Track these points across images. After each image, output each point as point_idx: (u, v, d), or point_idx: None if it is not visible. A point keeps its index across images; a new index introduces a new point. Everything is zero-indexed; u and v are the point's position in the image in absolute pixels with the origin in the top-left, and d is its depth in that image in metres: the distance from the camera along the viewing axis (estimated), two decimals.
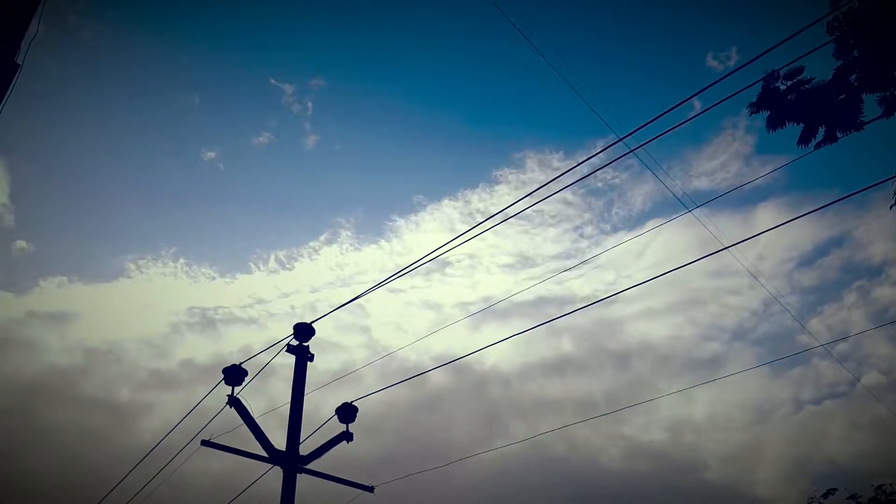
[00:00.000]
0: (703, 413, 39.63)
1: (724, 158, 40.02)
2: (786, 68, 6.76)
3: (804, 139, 7.02)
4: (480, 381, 39.53)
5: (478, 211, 41.38)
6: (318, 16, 43.48)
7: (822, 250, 42.07)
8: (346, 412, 11.69)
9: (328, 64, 45.33)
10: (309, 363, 11.99)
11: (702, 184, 39.68)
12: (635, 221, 41.78)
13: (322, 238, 46.39)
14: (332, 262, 45.25)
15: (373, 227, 50.05)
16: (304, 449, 11.42)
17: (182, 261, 43.80)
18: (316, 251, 45.47)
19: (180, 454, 11.97)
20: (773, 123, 7.03)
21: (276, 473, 11.12)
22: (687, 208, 11.40)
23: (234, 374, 11.44)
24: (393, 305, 43.95)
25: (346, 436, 11.59)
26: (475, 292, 42.97)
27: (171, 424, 12.24)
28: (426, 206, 45.40)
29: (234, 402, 11.34)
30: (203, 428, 11.25)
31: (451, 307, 41.47)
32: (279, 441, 11.29)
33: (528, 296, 37.61)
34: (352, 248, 45.55)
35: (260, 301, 43.44)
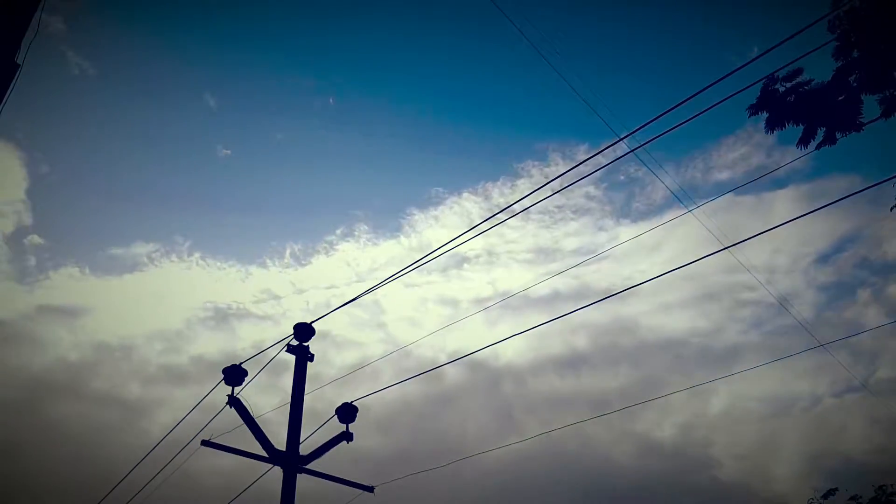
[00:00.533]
0: (717, 409, 39.37)
1: (744, 150, 39.62)
2: (785, 69, 6.76)
3: (804, 140, 7.02)
4: (497, 377, 39.44)
5: (497, 206, 40.99)
6: (339, 15, 43.52)
7: (839, 245, 41.64)
8: (346, 412, 11.69)
9: (351, 60, 45.37)
10: (312, 362, 11.99)
11: (723, 175, 39.44)
12: (655, 215, 41.33)
13: (338, 232, 46.14)
14: (349, 256, 44.93)
15: (391, 222, 49.53)
16: (306, 449, 11.43)
17: (197, 255, 43.78)
18: (332, 246, 45.19)
19: (181, 454, 11.99)
20: (772, 125, 7.03)
21: (278, 473, 11.13)
22: (687, 208, 11.37)
23: (234, 374, 11.45)
24: (410, 302, 43.72)
25: (346, 436, 11.59)
26: (493, 288, 42.54)
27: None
28: (446, 200, 44.77)
29: (234, 402, 11.34)
30: (203, 428, 11.27)
31: (469, 303, 41.25)
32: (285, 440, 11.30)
33: (545, 291, 37.23)
34: (369, 243, 45.15)
35: (275, 297, 43.38)
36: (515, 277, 42.27)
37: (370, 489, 11.88)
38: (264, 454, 11.11)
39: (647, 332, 40.65)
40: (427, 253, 10.00)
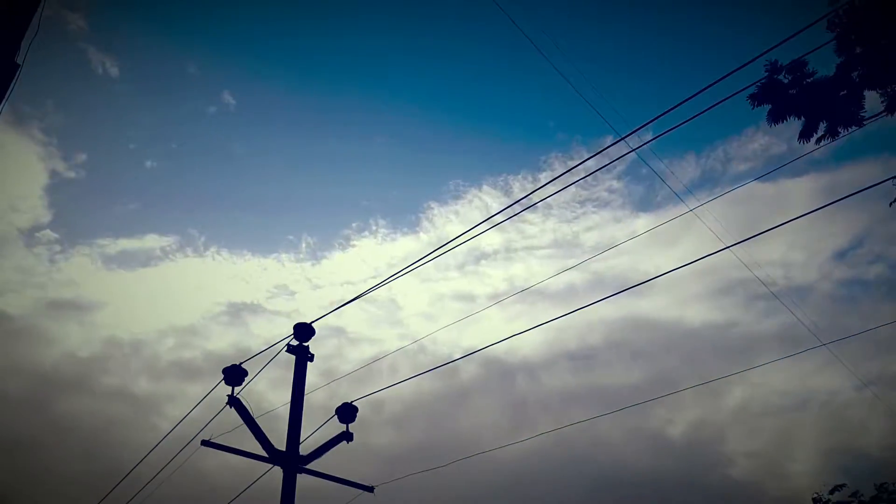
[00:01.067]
0: (730, 405, 39.00)
1: (764, 141, 39.23)
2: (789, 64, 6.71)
3: (805, 134, 6.97)
4: (514, 374, 39.28)
5: (517, 202, 40.16)
6: (360, 14, 43.50)
7: (856, 238, 41.08)
8: (346, 412, 11.70)
9: (372, 57, 45.33)
10: (312, 362, 11.99)
11: (743, 167, 39.18)
12: (676, 206, 40.71)
13: (355, 226, 45.78)
14: (366, 252, 44.45)
15: (409, 216, 48.82)
16: (309, 448, 11.45)
17: (213, 249, 43.67)
18: (348, 241, 44.70)
19: (181, 454, 11.98)
20: (775, 117, 6.96)
21: (278, 473, 11.13)
22: (689, 208, 11.35)
23: (234, 374, 11.45)
24: (427, 298, 43.33)
25: (346, 436, 11.59)
26: (512, 284, 41.93)
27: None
28: (465, 194, 44.05)
29: (233, 401, 11.34)
30: (203, 428, 11.26)
31: (487, 299, 40.90)
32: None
33: (563, 287, 36.71)
34: (386, 238, 44.57)
35: (290, 293, 43.23)
36: (535, 273, 41.91)
37: (370, 489, 11.88)
38: (264, 454, 11.11)
39: (661, 328, 40.35)
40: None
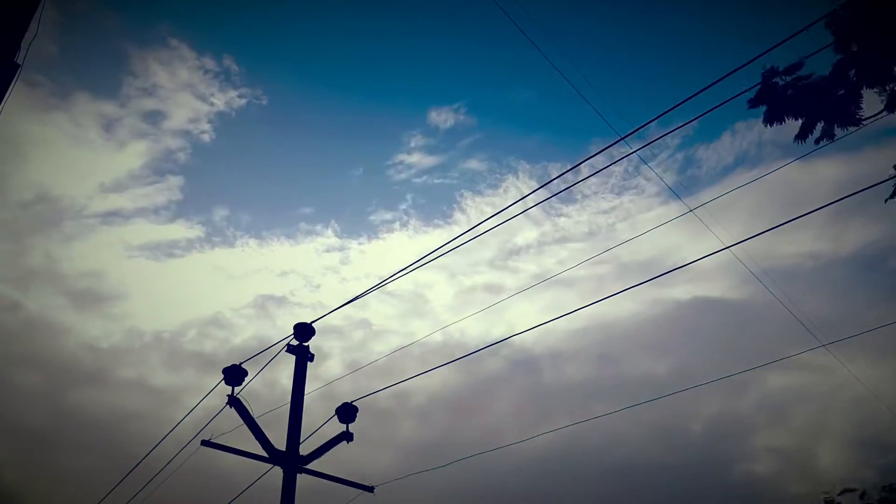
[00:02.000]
0: (756, 399, 38.51)
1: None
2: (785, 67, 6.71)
3: (802, 135, 6.95)
4: (539, 367, 39.08)
5: (544, 185, 39.66)
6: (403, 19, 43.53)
7: (882, 230, 40.36)
8: (346, 412, 11.70)
9: (401, 50, 45.21)
10: (312, 362, 12.00)
11: (776, 150, 38.92)
12: (708, 191, 40.09)
13: (385, 217, 45.07)
14: (395, 245, 43.42)
15: (440, 208, 47.48)
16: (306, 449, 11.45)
17: (241, 240, 43.45)
18: (377, 234, 44.13)
19: (181, 454, 11.99)
20: (771, 118, 6.95)
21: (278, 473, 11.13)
22: (689, 208, 11.34)
23: (234, 374, 11.45)
24: (455, 292, 42.83)
25: (346, 436, 11.60)
26: (542, 278, 41.51)
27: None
28: (501, 183, 43.08)
29: (234, 402, 11.34)
30: (203, 428, 11.26)
31: (518, 293, 40.44)
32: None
33: (594, 280, 36.21)
34: (418, 232, 43.67)
35: (315, 286, 42.88)
36: (566, 266, 41.21)
37: (370, 489, 11.88)
38: (264, 454, 11.11)
39: (688, 318, 39.87)
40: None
